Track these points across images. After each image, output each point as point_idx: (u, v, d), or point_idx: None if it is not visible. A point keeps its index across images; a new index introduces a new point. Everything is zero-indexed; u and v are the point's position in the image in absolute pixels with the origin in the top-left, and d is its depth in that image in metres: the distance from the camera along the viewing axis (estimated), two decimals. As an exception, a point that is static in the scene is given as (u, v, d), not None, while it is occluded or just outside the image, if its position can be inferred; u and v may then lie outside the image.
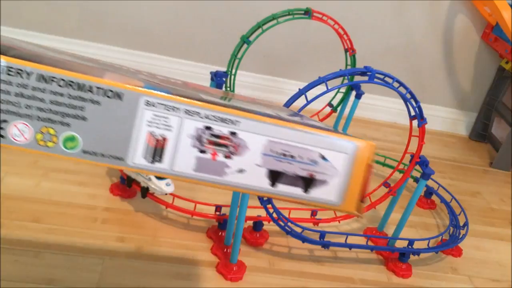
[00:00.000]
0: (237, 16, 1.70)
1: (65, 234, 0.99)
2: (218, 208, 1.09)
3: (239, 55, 1.29)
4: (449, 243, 1.20)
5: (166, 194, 1.06)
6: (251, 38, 1.27)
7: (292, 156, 0.39)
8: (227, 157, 0.38)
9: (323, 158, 0.39)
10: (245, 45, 1.27)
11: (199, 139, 0.37)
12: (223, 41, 1.73)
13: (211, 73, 1.28)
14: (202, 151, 0.37)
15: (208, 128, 0.37)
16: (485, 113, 1.92)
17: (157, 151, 0.37)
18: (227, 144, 0.37)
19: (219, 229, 1.08)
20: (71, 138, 0.35)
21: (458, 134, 1.98)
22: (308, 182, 0.40)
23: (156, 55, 1.75)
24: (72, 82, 0.34)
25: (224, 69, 1.34)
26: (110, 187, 1.15)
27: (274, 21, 1.27)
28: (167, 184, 1.05)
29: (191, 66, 1.77)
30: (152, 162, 0.37)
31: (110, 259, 0.96)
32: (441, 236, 1.23)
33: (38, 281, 0.88)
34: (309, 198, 0.40)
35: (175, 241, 1.05)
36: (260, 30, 1.27)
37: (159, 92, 0.36)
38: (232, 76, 1.33)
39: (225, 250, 1.03)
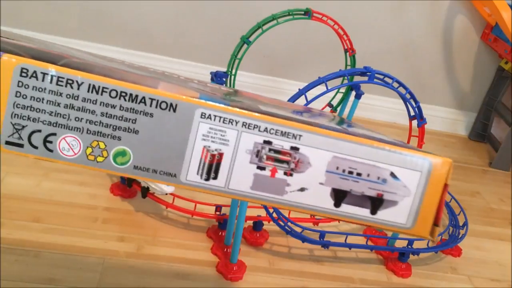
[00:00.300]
0: (237, 16, 1.70)
1: (65, 234, 0.99)
2: (218, 208, 1.09)
3: (239, 55, 1.29)
4: (449, 243, 1.20)
5: (166, 194, 1.06)
6: (251, 39, 1.27)
7: (359, 174, 0.36)
8: (287, 174, 0.35)
9: (394, 176, 0.36)
10: (245, 45, 1.27)
11: (257, 154, 0.34)
12: (223, 42, 1.73)
13: (211, 73, 1.28)
14: (261, 168, 0.34)
15: (267, 142, 0.34)
16: (485, 113, 1.92)
17: (212, 167, 0.34)
18: (288, 160, 0.35)
19: (219, 229, 1.08)
20: (122, 153, 0.33)
21: (457, 134, 1.98)
22: (376, 203, 0.36)
23: (156, 55, 1.75)
24: (124, 93, 0.32)
25: (224, 69, 1.34)
26: (110, 187, 1.15)
27: (274, 22, 1.27)
28: (167, 184, 1.05)
29: (191, 66, 1.78)
30: (207, 179, 0.35)
31: (110, 259, 0.96)
32: (440, 236, 1.23)
33: (38, 281, 0.88)
34: (376, 220, 0.37)
35: (175, 241, 1.05)
36: (260, 31, 1.28)
37: (216, 104, 0.33)
38: (232, 77, 1.33)
39: (225, 250, 1.03)
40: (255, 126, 0.33)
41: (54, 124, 0.32)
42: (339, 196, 0.36)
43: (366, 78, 0.92)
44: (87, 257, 0.95)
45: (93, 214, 1.07)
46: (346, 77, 0.92)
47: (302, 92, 0.88)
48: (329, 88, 0.89)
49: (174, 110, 0.33)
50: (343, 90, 1.52)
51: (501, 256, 1.28)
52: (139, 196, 1.13)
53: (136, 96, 0.32)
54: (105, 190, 1.15)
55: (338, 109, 1.53)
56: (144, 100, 0.32)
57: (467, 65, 1.90)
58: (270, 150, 0.34)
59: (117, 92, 0.32)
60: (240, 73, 1.40)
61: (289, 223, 1.05)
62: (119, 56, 1.73)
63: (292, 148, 0.34)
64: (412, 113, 1.02)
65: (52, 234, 0.98)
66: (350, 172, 0.35)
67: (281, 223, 1.03)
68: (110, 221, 1.06)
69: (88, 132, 0.33)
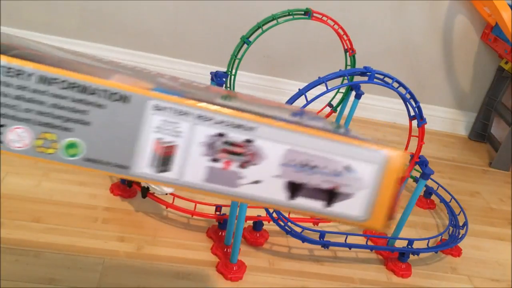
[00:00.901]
0: (237, 16, 1.70)
1: (65, 234, 0.99)
2: (218, 208, 1.09)
3: (239, 56, 1.29)
4: (449, 243, 1.20)
5: (166, 194, 1.06)
6: (251, 39, 1.27)
7: (314, 167, 0.35)
8: (241, 166, 0.34)
9: (349, 169, 0.35)
10: (245, 46, 1.27)
11: (211, 147, 0.34)
12: (223, 42, 1.73)
13: (211, 73, 1.28)
14: (214, 160, 0.34)
15: (221, 135, 0.33)
16: (485, 113, 1.92)
17: (165, 159, 0.34)
18: (242, 153, 0.34)
19: (219, 229, 1.08)
20: (73, 145, 0.33)
21: (457, 134, 1.99)
22: (331, 195, 0.36)
23: (156, 55, 1.75)
24: (75, 84, 0.31)
25: (224, 69, 1.34)
26: (110, 187, 1.15)
27: (274, 22, 1.27)
28: (167, 186, 1.05)
29: (191, 67, 1.78)
30: (159, 171, 0.34)
31: (110, 259, 0.96)
32: (440, 236, 1.23)
33: (38, 281, 0.88)
34: (331, 212, 0.36)
35: (175, 241, 1.05)
36: (260, 31, 1.28)
37: (168, 95, 0.32)
38: (232, 77, 1.33)
39: (225, 250, 1.03)
40: (209, 118, 0.33)
41: (4, 115, 0.32)
42: (294, 189, 0.35)
43: (366, 78, 0.92)
44: (87, 257, 0.95)
45: (93, 214, 1.07)
46: (346, 77, 0.92)
47: (302, 92, 0.88)
48: (329, 88, 0.89)
49: (127, 102, 0.32)
50: (343, 90, 1.52)
51: (501, 256, 1.28)
52: (139, 196, 1.13)
53: (88, 87, 0.31)
54: (105, 190, 1.15)
55: (338, 109, 1.53)
56: (96, 91, 0.32)
57: (467, 65, 1.90)
58: (224, 142, 0.34)
59: (68, 83, 0.31)
60: (240, 73, 1.40)
61: (289, 223, 1.05)
62: (119, 56, 1.73)
63: (247, 140, 0.34)
64: (412, 113, 1.02)
65: (52, 234, 0.98)
66: (306, 165, 0.35)
67: (281, 223, 1.03)
68: (110, 221, 1.06)
69: (38, 123, 0.32)
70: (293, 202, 0.36)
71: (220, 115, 0.33)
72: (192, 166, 0.34)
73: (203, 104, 0.33)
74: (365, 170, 0.35)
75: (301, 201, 0.36)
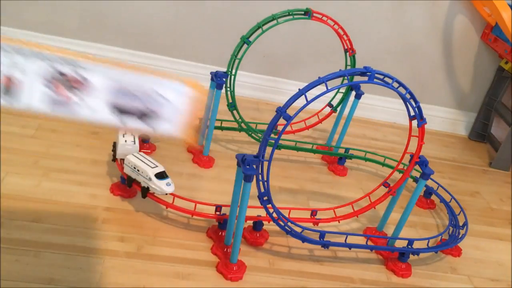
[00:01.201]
0: (237, 17, 1.70)
1: (65, 234, 0.99)
2: (218, 208, 1.09)
3: (239, 56, 1.29)
4: (449, 243, 1.20)
5: (166, 194, 1.06)
6: (251, 39, 1.27)
7: (134, 95, 0.49)
8: (75, 94, 0.46)
9: (162, 96, 0.51)
10: (245, 46, 1.27)
11: (49, 79, 0.44)
12: (223, 42, 1.73)
13: (211, 73, 1.28)
14: (49, 87, 0.45)
15: (59, 71, 0.44)
16: (485, 113, 1.92)
17: (8, 88, 0.44)
18: (75, 85, 0.46)
19: (219, 229, 1.08)
20: None
21: (457, 134, 1.99)
22: (150, 117, 0.51)
23: (157, 55, 1.75)
24: None
25: (224, 69, 1.34)
26: (110, 187, 1.15)
27: (274, 22, 1.27)
28: (168, 184, 1.05)
29: (191, 67, 1.78)
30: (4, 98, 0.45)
31: (110, 258, 0.96)
32: (440, 236, 1.23)
33: (38, 280, 0.88)
34: (153, 130, 0.52)
35: (175, 241, 1.05)
36: (260, 31, 1.28)
37: (9, 37, 0.43)
38: (232, 76, 1.33)
39: (225, 250, 1.03)
40: (47, 57, 0.43)
41: None
42: (120, 112, 0.48)
43: (366, 78, 0.92)
44: (87, 257, 0.95)
45: (93, 214, 1.07)
46: (346, 77, 0.92)
47: (302, 92, 0.88)
48: (329, 88, 0.89)
49: None
50: (343, 90, 1.52)
51: (501, 256, 1.28)
52: (139, 196, 1.13)
53: None
54: (105, 190, 1.15)
55: (338, 109, 1.53)
56: None
57: (467, 65, 1.90)
58: (61, 74, 0.45)
59: None
60: (240, 73, 1.40)
61: (289, 223, 1.05)
62: (120, 56, 1.73)
63: (78, 74, 0.46)
64: (412, 113, 1.02)
65: (52, 234, 0.98)
66: (127, 94, 0.48)
67: (281, 223, 1.03)
68: (110, 221, 1.06)
69: None
70: (121, 123, 0.49)
71: (53, 55, 0.44)
72: (31, 95, 0.44)
73: (41, 45, 0.45)
74: (173, 97, 0.51)
75: (129, 122, 0.49)
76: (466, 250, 1.25)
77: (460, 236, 1.24)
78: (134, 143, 1.14)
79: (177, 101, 0.50)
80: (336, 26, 1.35)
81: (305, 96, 0.88)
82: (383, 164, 1.50)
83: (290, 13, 1.28)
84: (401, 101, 1.00)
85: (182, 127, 0.51)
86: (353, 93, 1.45)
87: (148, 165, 1.07)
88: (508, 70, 1.79)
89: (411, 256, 1.14)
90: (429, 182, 1.43)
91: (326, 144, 1.55)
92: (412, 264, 1.14)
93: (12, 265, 0.89)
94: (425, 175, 1.08)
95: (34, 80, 0.44)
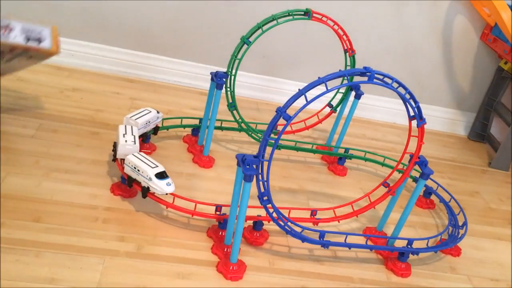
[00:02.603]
0: (237, 17, 1.70)
1: (66, 234, 0.99)
2: (218, 207, 1.09)
3: (239, 56, 1.30)
4: (448, 243, 1.20)
5: (166, 194, 1.06)
6: (251, 39, 1.27)
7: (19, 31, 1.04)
8: None
9: (41, 32, 1.11)
10: (245, 46, 1.28)
11: None
12: (223, 42, 1.74)
13: (211, 73, 1.28)
14: None
15: None
16: (484, 113, 1.93)
17: None
18: None
19: (219, 228, 1.08)
20: None
21: (457, 134, 1.99)
22: (35, 41, 1.11)
23: (157, 55, 1.75)
24: None
25: (224, 69, 1.35)
26: (111, 187, 1.15)
27: (274, 22, 1.27)
28: (168, 184, 1.06)
29: (191, 67, 1.78)
30: None
31: (110, 258, 0.97)
32: (440, 236, 1.23)
33: (39, 280, 0.88)
34: (34, 47, 1.09)
35: (175, 241, 1.05)
36: (260, 31, 1.28)
37: None
38: (232, 77, 1.33)
39: (225, 250, 1.03)
40: None
41: None
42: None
43: (365, 78, 0.92)
44: (88, 257, 0.95)
45: (93, 214, 1.07)
46: (346, 78, 0.93)
47: (302, 92, 0.89)
48: (329, 88, 0.89)
49: None
50: (343, 90, 1.52)
51: (501, 255, 1.28)
52: (139, 196, 1.14)
53: None
54: (105, 190, 1.15)
55: (338, 109, 1.53)
56: None
57: (466, 65, 1.90)
58: None
59: None
60: (240, 73, 1.41)
61: (289, 223, 1.05)
62: (120, 56, 1.73)
63: None
64: (412, 113, 1.02)
65: (52, 234, 0.99)
66: (10, 30, 1.00)
67: (281, 223, 1.03)
68: (110, 221, 1.06)
69: None
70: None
71: None
72: None
73: None
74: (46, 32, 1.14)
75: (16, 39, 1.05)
76: (466, 250, 1.25)
77: (459, 236, 1.25)
78: (135, 143, 1.14)
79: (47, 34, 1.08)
80: (336, 27, 1.36)
81: (305, 96, 0.88)
82: (383, 164, 1.51)
83: (290, 13, 1.28)
84: (400, 101, 1.00)
85: (52, 44, 1.06)
86: (353, 93, 1.45)
87: (149, 165, 1.07)
88: (508, 70, 1.79)
89: (410, 256, 1.14)
90: (429, 182, 1.43)
91: (326, 144, 1.56)
92: (412, 264, 1.14)
93: (12, 265, 0.90)
94: (425, 175, 1.08)
95: None
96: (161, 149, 1.36)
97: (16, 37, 1.06)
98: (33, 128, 1.31)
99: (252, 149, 1.49)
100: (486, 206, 1.51)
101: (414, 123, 1.04)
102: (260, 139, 1.39)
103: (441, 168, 1.67)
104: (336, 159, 1.49)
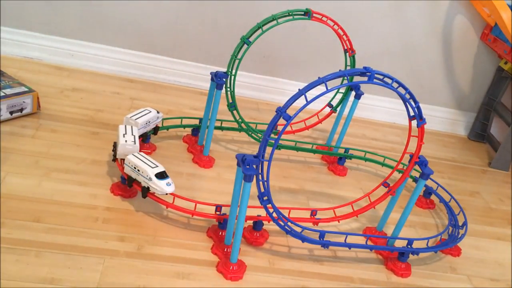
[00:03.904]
0: (237, 17, 1.70)
1: (66, 234, 0.99)
2: (218, 208, 1.09)
3: (239, 56, 1.30)
4: (448, 243, 1.20)
5: (166, 194, 1.06)
6: (251, 39, 1.27)
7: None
8: None
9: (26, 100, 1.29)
10: (245, 46, 1.28)
11: None
12: (223, 42, 1.74)
13: (211, 73, 1.28)
14: None
15: None
16: (484, 113, 1.93)
17: None
18: None
19: (219, 228, 1.08)
20: None
21: (457, 134, 1.99)
22: (18, 111, 1.29)
23: (157, 56, 1.75)
24: None
25: (224, 69, 1.35)
26: (110, 187, 1.15)
27: (274, 22, 1.27)
28: (168, 184, 1.06)
29: (191, 67, 1.78)
30: None
31: (110, 258, 0.97)
32: (440, 236, 1.23)
33: (39, 280, 0.88)
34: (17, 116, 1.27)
35: (175, 241, 1.05)
36: (260, 31, 1.28)
37: None
38: (232, 77, 1.33)
39: (225, 250, 1.03)
40: None
41: None
42: None
43: (365, 78, 0.92)
44: (88, 257, 0.95)
45: (93, 214, 1.07)
46: (346, 78, 0.93)
47: (302, 92, 0.89)
48: (329, 88, 0.89)
49: None
50: (342, 90, 1.52)
51: (500, 255, 1.28)
52: (139, 196, 1.14)
53: None
54: (105, 190, 1.15)
55: (338, 109, 1.53)
56: None
57: (466, 65, 1.90)
58: None
59: None
60: (240, 73, 1.41)
61: (289, 223, 1.05)
62: (120, 56, 1.73)
63: None
64: (412, 113, 1.02)
65: (52, 234, 0.99)
66: None
67: (281, 223, 1.04)
68: (110, 221, 1.06)
69: None
70: None
71: None
72: None
73: None
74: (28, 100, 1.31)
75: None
76: (466, 250, 1.25)
77: (459, 236, 1.25)
78: (135, 143, 1.14)
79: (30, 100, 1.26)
80: (336, 27, 1.36)
81: (305, 96, 0.88)
82: (383, 164, 1.51)
83: (290, 13, 1.28)
84: (400, 101, 1.00)
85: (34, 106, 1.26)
86: (353, 93, 1.45)
87: (149, 165, 1.07)
88: (508, 70, 1.79)
89: (410, 256, 1.14)
90: (429, 182, 1.43)
91: (326, 144, 1.56)
92: (412, 264, 1.14)
93: (12, 265, 0.90)
94: (425, 175, 1.08)
95: None
96: (161, 149, 1.36)
97: (1, 116, 1.26)
98: (33, 128, 1.31)
99: (252, 149, 1.49)
100: (486, 206, 1.51)
101: (414, 123, 1.04)
102: (260, 139, 1.39)
103: (441, 168, 1.67)
104: (336, 159, 1.49)
